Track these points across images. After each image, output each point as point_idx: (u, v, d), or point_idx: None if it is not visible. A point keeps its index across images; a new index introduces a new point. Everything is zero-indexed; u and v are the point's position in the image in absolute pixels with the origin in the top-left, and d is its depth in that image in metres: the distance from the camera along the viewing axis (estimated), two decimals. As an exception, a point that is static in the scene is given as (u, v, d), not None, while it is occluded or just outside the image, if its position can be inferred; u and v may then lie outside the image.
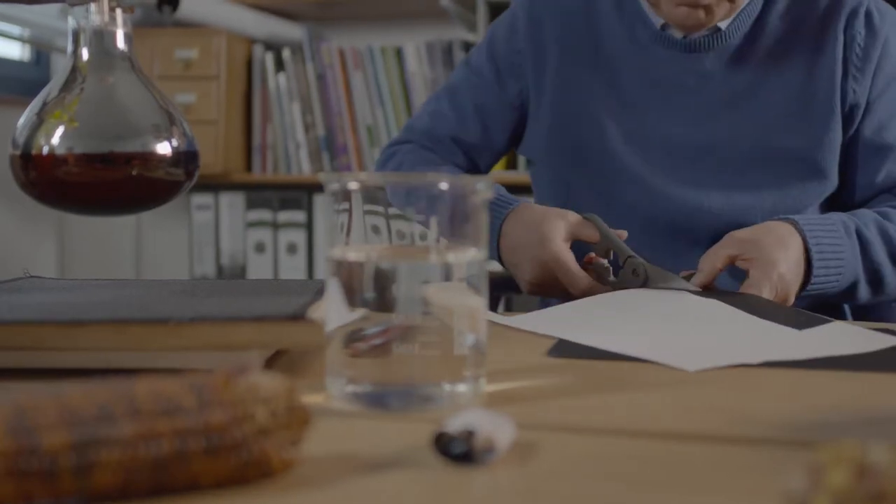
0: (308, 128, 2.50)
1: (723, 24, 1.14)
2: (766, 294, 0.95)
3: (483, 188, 0.58)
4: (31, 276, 0.90)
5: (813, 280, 1.00)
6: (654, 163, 1.15)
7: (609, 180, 1.16)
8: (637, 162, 1.15)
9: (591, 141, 1.17)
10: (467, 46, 2.41)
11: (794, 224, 1.01)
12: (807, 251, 1.00)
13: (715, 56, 1.15)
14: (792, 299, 0.99)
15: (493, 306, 1.57)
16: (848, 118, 1.13)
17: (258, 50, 2.53)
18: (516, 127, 1.25)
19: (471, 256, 0.57)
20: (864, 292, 1.06)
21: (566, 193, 1.19)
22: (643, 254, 0.99)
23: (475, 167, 1.29)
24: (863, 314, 1.18)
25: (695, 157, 1.14)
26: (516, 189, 2.26)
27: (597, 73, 1.18)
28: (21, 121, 0.79)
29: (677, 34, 1.15)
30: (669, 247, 1.10)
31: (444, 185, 0.57)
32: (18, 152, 0.78)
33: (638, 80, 1.17)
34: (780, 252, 0.97)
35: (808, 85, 1.13)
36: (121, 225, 2.72)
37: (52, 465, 0.38)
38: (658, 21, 1.16)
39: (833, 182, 1.14)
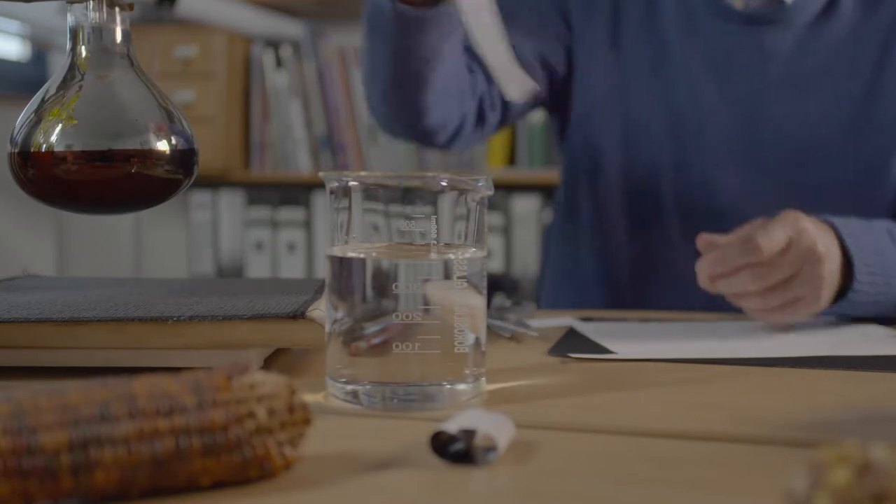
0: (308, 125, 2.50)
1: None
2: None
3: (483, 186, 0.58)
4: (30, 275, 0.89)
5: (855, 286, 0.86)
6: (689, 143, 1.06)
7: (641, 154, 1.09)
8: (672, 141, 1.07)
9: (630, 112, 1.09)
10: (467, 45, 2.40)
11: (833, 228, 0.86)
12: (846, 256, 0.85)
13: (777, 33, 1.04)
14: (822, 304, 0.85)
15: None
16: None
17: (258, 47, 2.53)
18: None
19: (471, 255, 0.57)
20: None
21: (597, 161, 1.11)
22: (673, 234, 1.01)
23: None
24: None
25: (740, 146, 1.05)
26: (514, 188, 2.28)
27: (648, 44, 1.09)
28: (19, 119, 0.79)
29: (738, 4, 1.05)
30: (702, 227, 0.95)
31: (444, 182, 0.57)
32: (17, 150, 0.78)
33: (690, 54, 1.07)
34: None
35: (878, 83, 1.03)
36: (120, 223, 2.72)
37: (52, 464, 0.37)
38: None
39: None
